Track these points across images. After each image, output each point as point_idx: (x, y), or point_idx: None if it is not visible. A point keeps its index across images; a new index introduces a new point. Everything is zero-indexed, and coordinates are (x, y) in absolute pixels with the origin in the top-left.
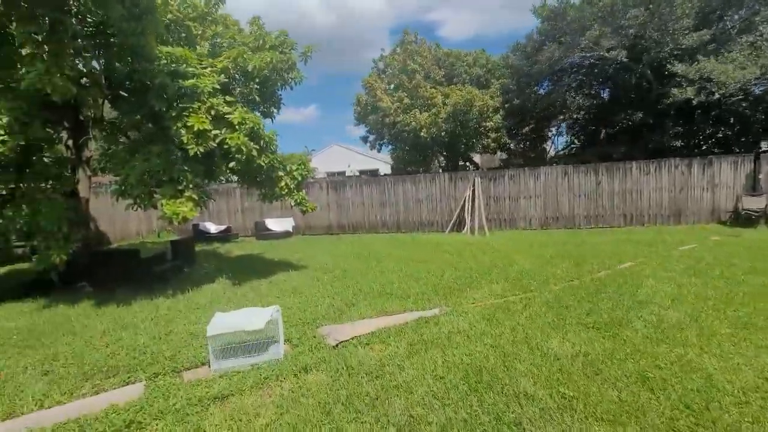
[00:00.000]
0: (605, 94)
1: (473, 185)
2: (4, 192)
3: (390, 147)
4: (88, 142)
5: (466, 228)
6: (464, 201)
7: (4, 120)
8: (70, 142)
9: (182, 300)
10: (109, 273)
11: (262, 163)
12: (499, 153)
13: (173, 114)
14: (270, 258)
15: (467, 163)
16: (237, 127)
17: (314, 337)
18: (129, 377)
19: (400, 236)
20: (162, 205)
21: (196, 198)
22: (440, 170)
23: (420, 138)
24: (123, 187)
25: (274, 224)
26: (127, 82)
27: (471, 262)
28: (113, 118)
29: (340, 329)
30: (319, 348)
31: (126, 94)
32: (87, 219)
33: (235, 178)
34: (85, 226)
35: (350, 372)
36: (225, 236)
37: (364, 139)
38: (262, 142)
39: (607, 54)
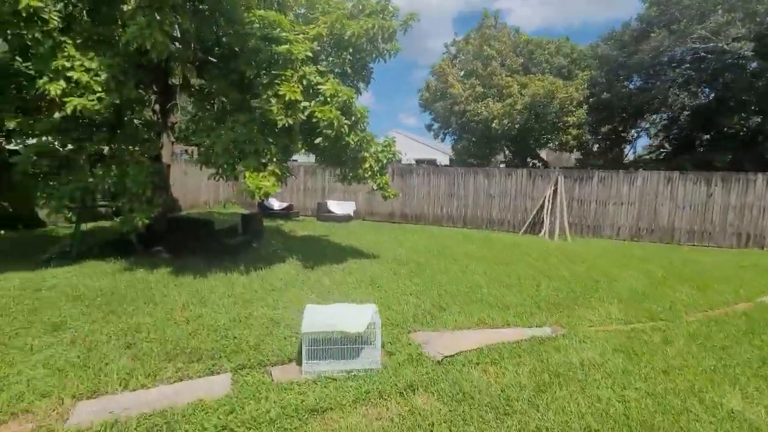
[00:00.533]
0: (710, 94)
1: (555, 184)
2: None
3: (453, 137)
4: (174, 108)
5: (543, 231)
6: (543, 201)
7: (102, 77)
8: (156, 107)
9: (256, 279)
10: (184, 240)
11: (351, 141)
12: (574, 152)
13: (264, 81)
14: (336, 242)
15: (535, 160)
16: (329, 99)
17: (409, 344)
18: (213, 365)
19: (468, 232)
20: (245, 177)
21: (279, 173)
22: (501, 165)
23: (490, 129)
24: (207, 156)
25: (336, 206)
26: (216, 48)
27: (564, 272)
28: (201, 85)
29: (438, 339)
30: (420, 361)
31: (214, 60)
32: (167, 185)
33: (297, 157)
34: (166, 192)
35: (469, 402)
36: (287, 214)
37: (429, 127)
38: (353, 118)
39: (726, 46)
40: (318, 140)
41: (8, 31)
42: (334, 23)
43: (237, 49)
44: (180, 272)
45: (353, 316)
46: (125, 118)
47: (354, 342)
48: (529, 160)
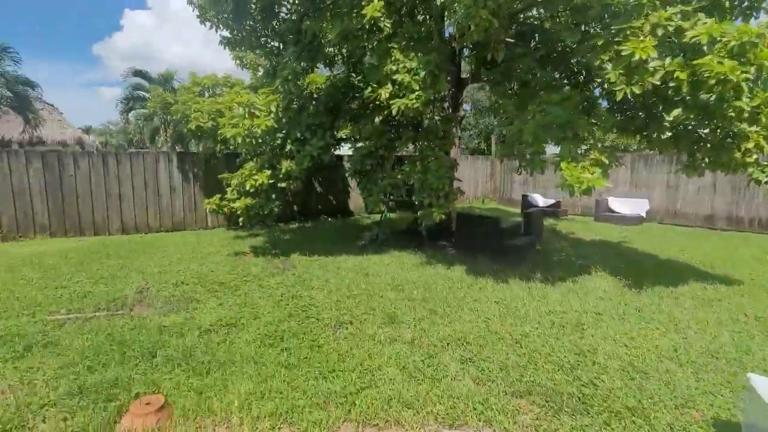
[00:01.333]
0: None
1: None
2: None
3: None
4: (461, 102)
5: None
6: None
7: (421, 75)
8: (446, 104)
9: (570, 295)
10: (466, 236)
11: (745, 107)
12: None
13: (599, 43)
14: (643, 251)
15: None
16: (705, 48)
17: None
18: (586, 426)
19: None
20: (560, 168)
21: (606, 162)
22: None
23: None
24: (510, 147)
25: (621, 205)
26: (513, 26)
27: None
28: (497, 68)
29: None
30: None
31: (512, 40)
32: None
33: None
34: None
35: None
36: (553, 212)
37: None
38: (753, 71)
39: None
40: (675, 112)
41: (344, 48)
42: None
43: (537, 23)
44: (476, 273)
45: None
46: (426, 116)
47: None
48: None
